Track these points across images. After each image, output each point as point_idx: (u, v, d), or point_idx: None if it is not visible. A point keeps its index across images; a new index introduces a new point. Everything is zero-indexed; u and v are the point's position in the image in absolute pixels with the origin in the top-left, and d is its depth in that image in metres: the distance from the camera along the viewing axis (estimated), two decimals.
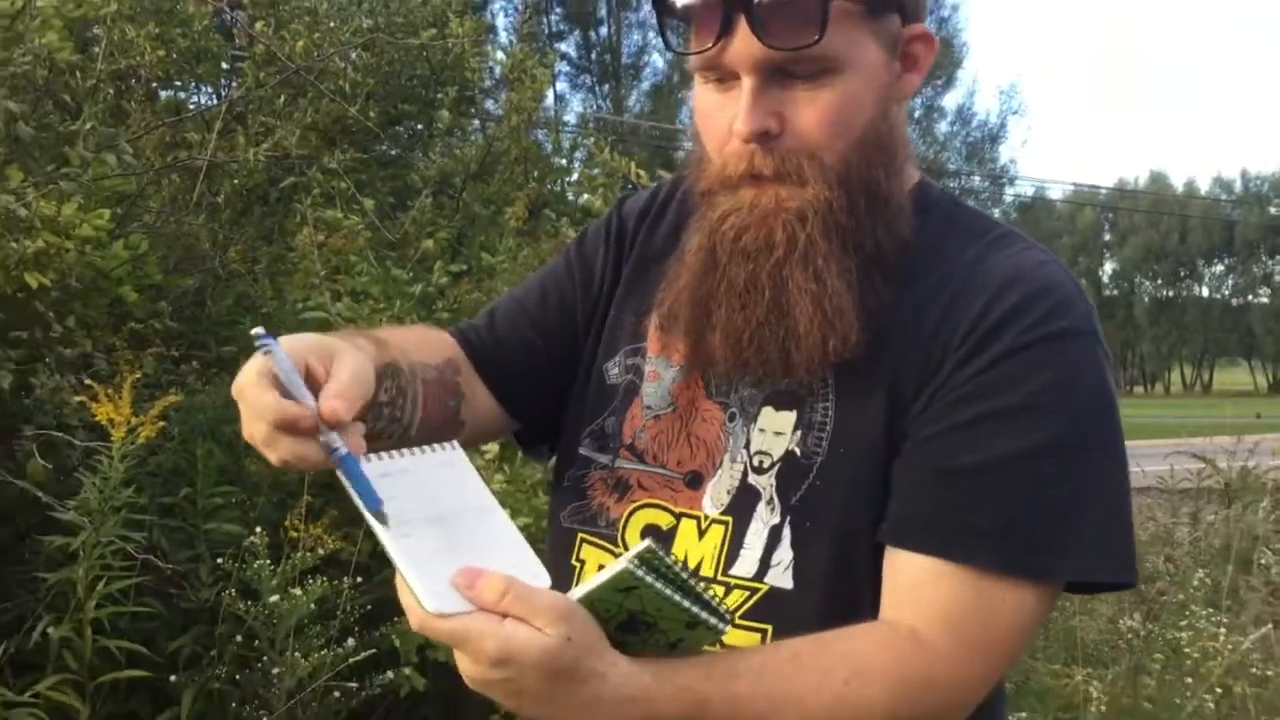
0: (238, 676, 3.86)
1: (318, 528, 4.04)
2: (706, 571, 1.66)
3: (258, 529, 3.91)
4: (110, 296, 4.42)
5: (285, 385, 1.40)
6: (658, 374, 1.76)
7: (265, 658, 3.77)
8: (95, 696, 3.66)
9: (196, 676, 3.91)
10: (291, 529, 4.03)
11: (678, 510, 1.71)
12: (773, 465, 1.67)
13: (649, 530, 1.73)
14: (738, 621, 1.63)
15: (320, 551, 3.95)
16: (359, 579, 4.03)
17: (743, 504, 1.68)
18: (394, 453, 1.47)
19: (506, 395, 1.86)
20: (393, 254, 5.24)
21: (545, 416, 1.89)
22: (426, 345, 1.78)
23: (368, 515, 1.39)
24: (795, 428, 1.66)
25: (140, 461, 3.93)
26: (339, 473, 1.40)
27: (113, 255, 4.40)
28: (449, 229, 5.60)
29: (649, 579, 1.33)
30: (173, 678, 3.86)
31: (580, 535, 1.80)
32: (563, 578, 1.75)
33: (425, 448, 1.49)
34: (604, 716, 1.42)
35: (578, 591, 1.41)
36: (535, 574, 1.44)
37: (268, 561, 3.83)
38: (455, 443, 1.53)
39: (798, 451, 1.66)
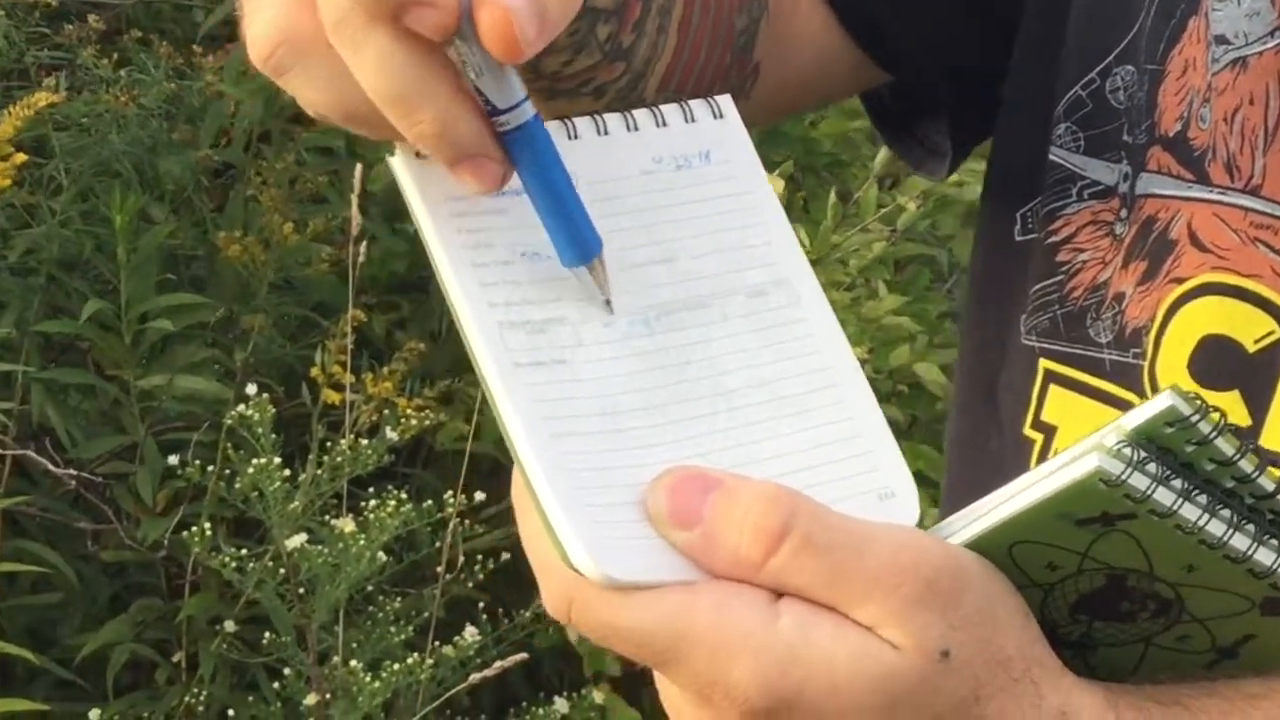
0: (231, 711, 2.65)
1: (388, 378, 2.66)
2: None
3: (251, 387, 2.56)
4: None
5: None
6: None
7: (287, 671, 2.55)
8: None
9: (144, 709, 2.74)
10: (325, 383, 2.67)
11: None
12: None
13: (1209, 354, 1.05)
14: None
15: (394, 432, 2.58)
16: (480, 497, 2.65)
17: None
18: (580, 120, 0.89)
19: (860, 2, 1.17)
20: None
21: (942, 53, 1.18)
22: None
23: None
24: None
25: None
26: (483, 175, 0.82)
27: None
28: None
29: (1162, 493, 0.76)
30: (94, 714, 2.61)
31: (1045, 363, 1.12)
32: (988, 474, 1.09)
33: (649, 110, 0.90)
34: None
35: (968, 524, 0.79)
36: (881, 477, 0.83)
37: (278, 462, 2.46)
38: (727, 100, 0.92)
39: None
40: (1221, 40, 1.10)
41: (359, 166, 2.47)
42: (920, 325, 2.48)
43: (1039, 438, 1.13)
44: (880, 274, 2.55)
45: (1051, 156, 1.14)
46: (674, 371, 0.83)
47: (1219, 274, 1.06)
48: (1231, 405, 1.01)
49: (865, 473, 0.82)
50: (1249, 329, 1.04)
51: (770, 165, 2.54)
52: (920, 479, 2.79)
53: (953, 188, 2.46)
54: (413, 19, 0.78)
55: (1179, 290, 1.08)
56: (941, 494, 1.26)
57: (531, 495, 0.77)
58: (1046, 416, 1.14)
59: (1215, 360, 1.06)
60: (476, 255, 0.82)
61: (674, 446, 0.80)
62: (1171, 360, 1.07)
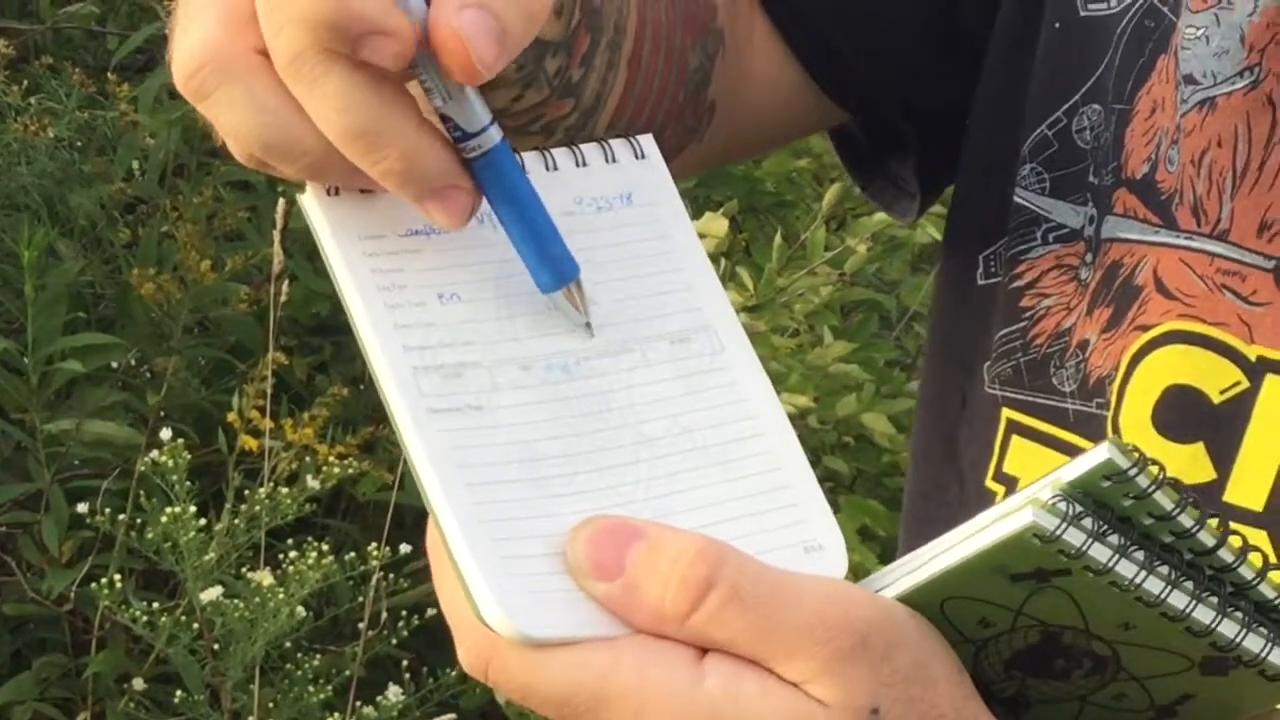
0: None
1: (308, 424, 2.70)
2: None
3: (166, 432, 2.57)
4: None
5: None
6: None
7: None
8: None
9: None
10: (242, 428, 2.69)
11: (1254, 353, 1.04)
12: None
13: (1173, 405, 1.06)
14: None
15: (315, 480, 2.61)
16: (405, 550, 2.72)
17: None
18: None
19: (817, 38, 1.17)
20: None
21: (899, 86, 1.19)
22: None
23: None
24: None
25: None
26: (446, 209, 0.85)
27: None
28: None
29: (1098, 549, 0.77)
30: None
31: (1007, 413, 1.12)
32: (946, 528, 0.88)
33: (569, 149, 0.92)
34: None
35: (899, 577, 0.81)
36: (808, 529, 0.84)
37: (193, 511, 2.49)
38: (649, 140, 0.94)
39: None
40: (1190, 80, 1.11)
41: (281, 201, 2.45)
42: (868, 374, 2.48)
43: (1000, 490, 1.14)
44: (827, 320, 2.55)
45: (1016, 198, 1.14)
46: (595, 419, 0.83)
47: (1185, 322, 1.07)
48: (1196, 458, 1.02)
49: (791, 525, 0.83)
50: (1214, 379, 1.05)
51: (713, 205, 2.55)
52: (866, 534, 2.74)
53: (904, 230, 2.46)
54: (370, 51, 0.78)
55: (1144, 338, 1.08)
56: (899, 548, 1.24)
57: (446, 548, 0.78)
58: (1009, 468, 1.14)
59: (1180, 411, 1.06)
60: (390, 296, 0.83)
61: (594, 496, 0.81)
62: (1135, 411, 1.08)
